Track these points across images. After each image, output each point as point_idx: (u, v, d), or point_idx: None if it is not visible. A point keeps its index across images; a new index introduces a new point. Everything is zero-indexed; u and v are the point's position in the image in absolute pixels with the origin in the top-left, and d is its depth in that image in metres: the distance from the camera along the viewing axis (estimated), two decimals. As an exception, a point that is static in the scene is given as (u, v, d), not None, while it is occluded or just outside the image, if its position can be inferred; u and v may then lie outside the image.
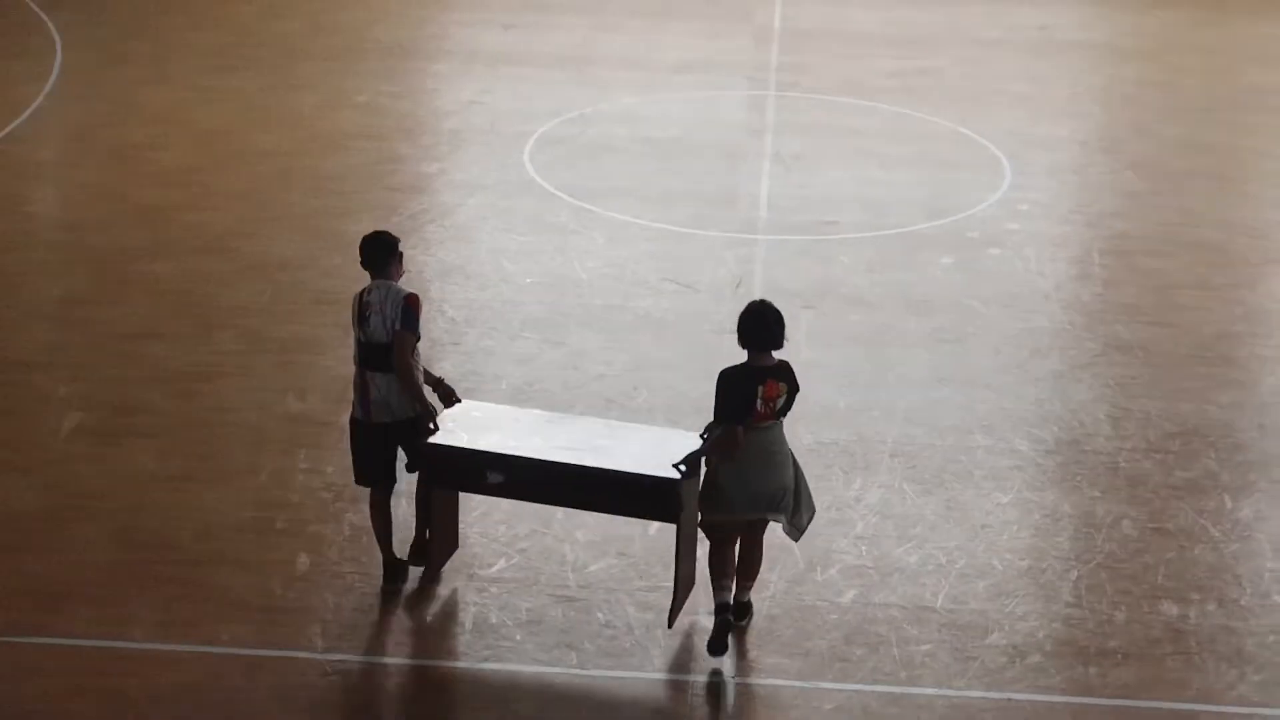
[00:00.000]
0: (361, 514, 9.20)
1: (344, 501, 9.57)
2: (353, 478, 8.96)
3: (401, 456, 8.87)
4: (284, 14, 18.91)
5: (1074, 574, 9.15)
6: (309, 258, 12.80)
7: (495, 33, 18.35)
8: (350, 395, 8.85)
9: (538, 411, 9.52)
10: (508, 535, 9.37)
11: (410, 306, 8.64)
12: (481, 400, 9.76)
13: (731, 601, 8.50)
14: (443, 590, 8.90)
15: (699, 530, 8.56)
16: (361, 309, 8.71)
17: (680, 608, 8.67)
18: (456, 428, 8.82)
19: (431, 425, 8.73)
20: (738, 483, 8.35)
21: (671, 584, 8.70)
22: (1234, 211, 14.24)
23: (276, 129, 15.45)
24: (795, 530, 8.58)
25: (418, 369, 8.77)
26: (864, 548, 9.34)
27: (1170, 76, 17.63)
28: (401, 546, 9.08)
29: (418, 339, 8.73)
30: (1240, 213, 14.24)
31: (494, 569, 9.08)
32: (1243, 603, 8.95)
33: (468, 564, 9.10)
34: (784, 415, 8.40)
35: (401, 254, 8.83)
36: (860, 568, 9.16)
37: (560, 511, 9.35)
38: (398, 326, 8.61)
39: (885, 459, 10.20)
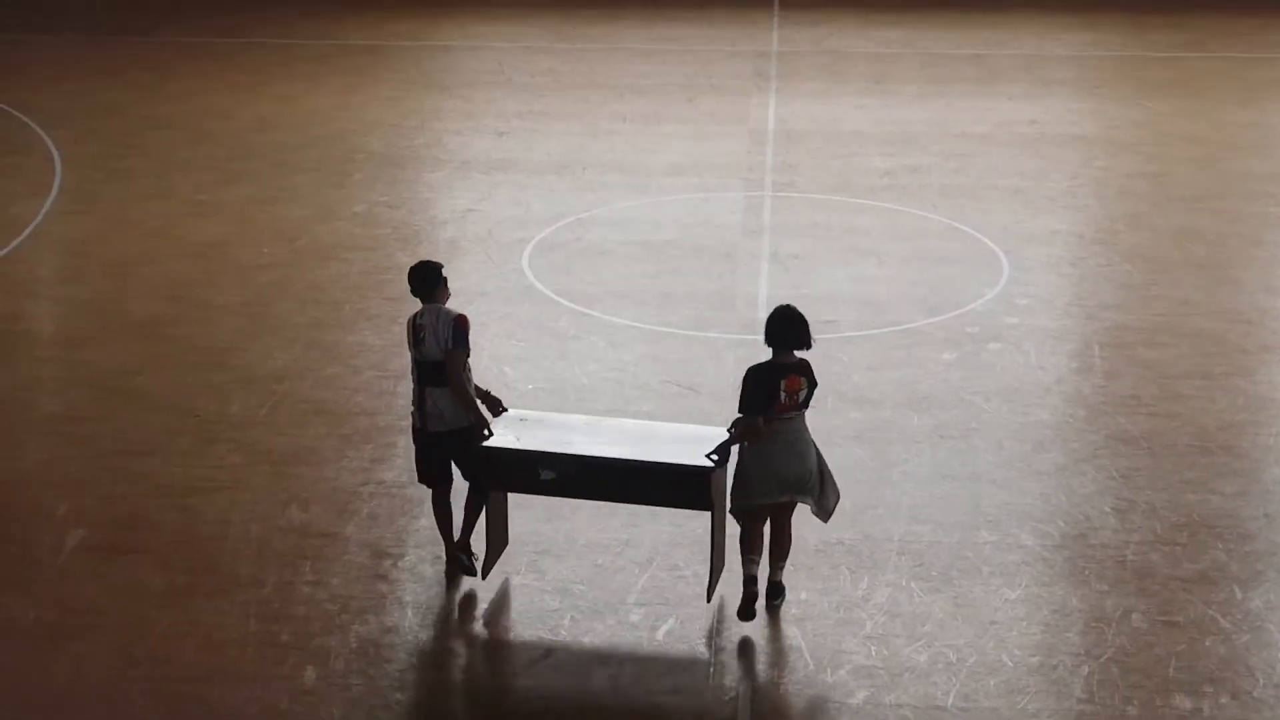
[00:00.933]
0: (368, 623, 9.20)
1: (349, 614, 9.53)
2: (416, 478, 9.98)
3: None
4: (277, 127, 19.05)
5: (1085, 669, 9.09)
6: (306, 369, 12.81)
7: (489, 140, 18.48)
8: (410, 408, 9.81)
9: (579, 416, 10.59)
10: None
11: (460, 326, 9.67)
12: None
13: (757, 574, 9.41)
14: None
15: (731, 515, 9.49)
16: (415, 331, 9.73)
17: (716, 584, 9.68)
18: (507, 432, 9.78)
19: (485, 432, 9.67)
20: (765, 469, 9.28)
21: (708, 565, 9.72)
22: (1229, 300, 14.29)
23: (272, 241, 15.52)
24: (823, 512, 9.50)
25: (469, 382, 9.72)
26: (873, 647, 9.28)
27: (1161, 167, 17.76)
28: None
29: (468, 355, 9.69)
30: (1235, 301, 14.28)
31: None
32: (1256, 694, 8.89)
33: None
34: (806, 407, 9.36)
35: (446, 279, 9.86)
36: (870, 668, 9.10)
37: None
38: (450, 345, 9.62)
39: (892, 557, 10.17)
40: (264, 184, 17.14)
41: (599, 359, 12.97)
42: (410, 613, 9.33)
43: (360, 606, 9.39)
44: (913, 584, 9.88)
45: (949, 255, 15.26)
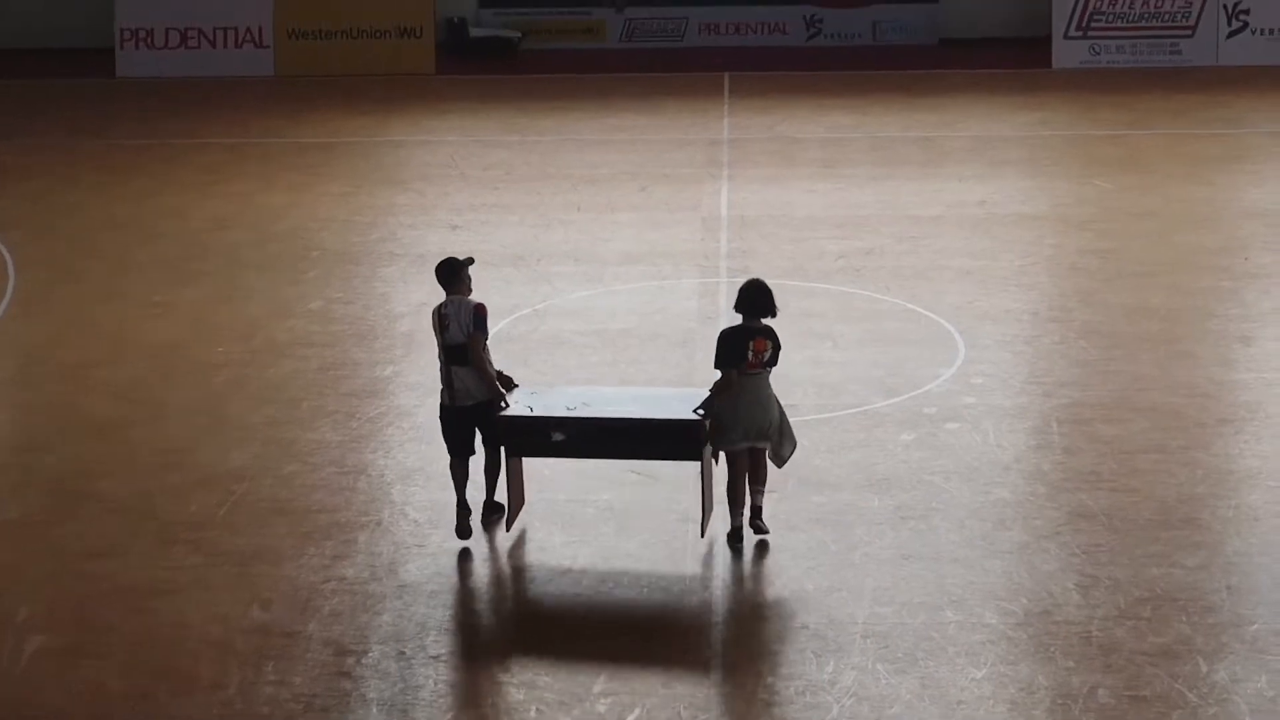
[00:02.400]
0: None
1: (314, 712, 9.47)
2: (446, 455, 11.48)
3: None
4: (231, 225, 19.09)
5: (1054, 747, 9.09)
6: (263, 467, 12.78)
7: (443, 233, 18.55)
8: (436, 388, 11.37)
9: (578, 388, 12.48)
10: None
11: (479, 313, 11.28)
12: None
13: (742, 524, 11.21)
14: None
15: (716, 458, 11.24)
16: (441, 319, 11.30)
17: (707, 523, 11.33)
18: (521, 403, 11.44)
19: (503, 404, 11.31)
20: (735, 418, 11.09)
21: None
22: (1184, 374, 14.41)
23: (228, 340, 15.51)
24: (778, 459, 11.28)
25: (488, 362, 11.31)
26: (841, 731, 9.27)
27: (1112, 244, 17.94)
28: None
29: (486, 337, 11.32)
30: (1190, 375, 14.41)
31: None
32: (1226, 767, 8.91)
33: None
34: (771, 366, 11.13)
35: (468, 275, 11.38)
36: (839, 752, 9.08)
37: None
38: (472, 329, 11.23)
39: (857, 640, 10.17)
40: (219, 283, 17.15)
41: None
42: (375, 709, 9.28)
43: (324, 704, 9.34)
44: (878, 666, 9.88)
45: (904, 336, 15.35)
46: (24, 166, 21.89)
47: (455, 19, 28.48)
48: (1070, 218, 19.02)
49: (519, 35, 28.62)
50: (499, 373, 11.49)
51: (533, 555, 11.46)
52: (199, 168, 21.64)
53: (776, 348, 11.18)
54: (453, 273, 11.40)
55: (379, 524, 11.87)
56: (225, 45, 27.50)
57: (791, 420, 11.47)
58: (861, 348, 15.06)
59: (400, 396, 14.22)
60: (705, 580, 11.06)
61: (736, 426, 11.10)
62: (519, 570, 11.32)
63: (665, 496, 12.04)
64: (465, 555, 11.39)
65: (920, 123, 23.45)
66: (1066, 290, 16.70)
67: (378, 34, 27.49)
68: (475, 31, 28.59)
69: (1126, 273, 17.01)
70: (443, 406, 11.47)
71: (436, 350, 11.49)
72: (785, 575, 10.94)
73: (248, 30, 27.49)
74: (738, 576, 11.13)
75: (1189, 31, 26.87)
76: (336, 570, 11.15)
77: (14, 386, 14.88)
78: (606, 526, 11.73)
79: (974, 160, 21.46)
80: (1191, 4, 26.82)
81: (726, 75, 26.28)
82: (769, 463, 11.28)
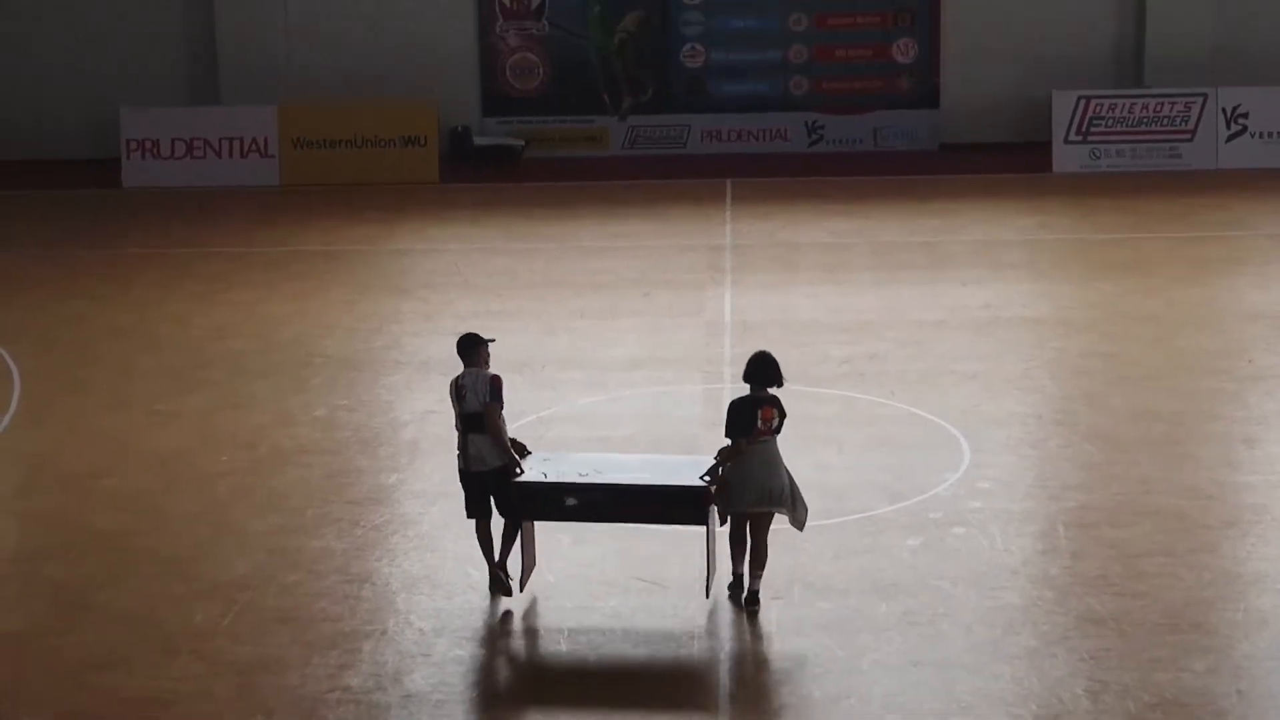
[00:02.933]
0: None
1: (317, 824, 9.40)
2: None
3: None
4: (235, 334, 19.16)
5: None
6: (267, 576, 12.75)
7: (447, 341, 18.50)
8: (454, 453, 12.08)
9: (589, 455, 12.79)
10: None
11: (495, 384, 11.95)
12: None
13: (743, 572, 11.88)
14: None
15: (720, 519, 11.85)
16: (459, 390, 12.00)
17: (711, 585, 11.93)
18: (534, 470, 12.02)
19: (518, 470, 11.89)
20: (745, 482, 11.70)
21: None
22: (1189, 477, 14.41)
23: (231, 448, 15.52)
24: (797, 523, 11.90)
25: (504, 431, 11.91)
26: (851, 841, 9.19)
27: (1116, 347, 17.98)
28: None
29: (502, 407, 11.90)
30: (1195, 477, 14.40)
31: None
32: None
33: None
34: (778, 433, 11.79)
35: (485, 348, 12.14)
36: None
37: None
38: (488, 399, 11.90)
39: (865, 747, 10.11)
40: (223, 391, 17.19)
41: (565, 555, 12.94)
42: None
43: (329, 817, 9.27)
44: (888, 774, 9.81)
45: (909, 441, 15.36)
46: (29, 276, 22.00)
47: (459, 128, 28.71)
48: (1073, 321, 19.08)
49: (522, 143, 28.84)
50: (513, 440, 12.09)
51: (542, 658, 11.41)
52: (202, 276, 21.75)
53: (783, 415, 11.88)
54: (472, 346, 12.19)
55: (384, 633, 11.83)
56: (230, 155, 27.71)
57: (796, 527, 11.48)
58: (866, 452, 15.06)
59: (405, 504, 14.20)
60: (712, 687, 11.00)
61: (747, 491, 11.74)
62: (525, 679, 11.25)
63: (670, 604, 12.01)
64: (471, 664, 11.34)
65: (922, 227, 23.58)
66: (1071, 393, 16.72)
67: (382, 143, 27.70)
68: (479, 140, 28.81)
69: (1130, 375, 17.04)
70: (460, 471, 12.17)
71: (454, 419, 12.13)
72: (792, 682, 10.89)
73: (253, 140, 27.71)
74: (743, 682, 11.07)
75: (1188, 136, 27.06)
76: (341, 680, 11.10)
77: (18, 496, 14.88)
78: (614, 633, 11.67)
79: (976, 264, 21.55)
80: (1190, 108, 27.03)
81: (729, 181, 26.45)
82: (793, 527, 11.96)
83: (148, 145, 27.75)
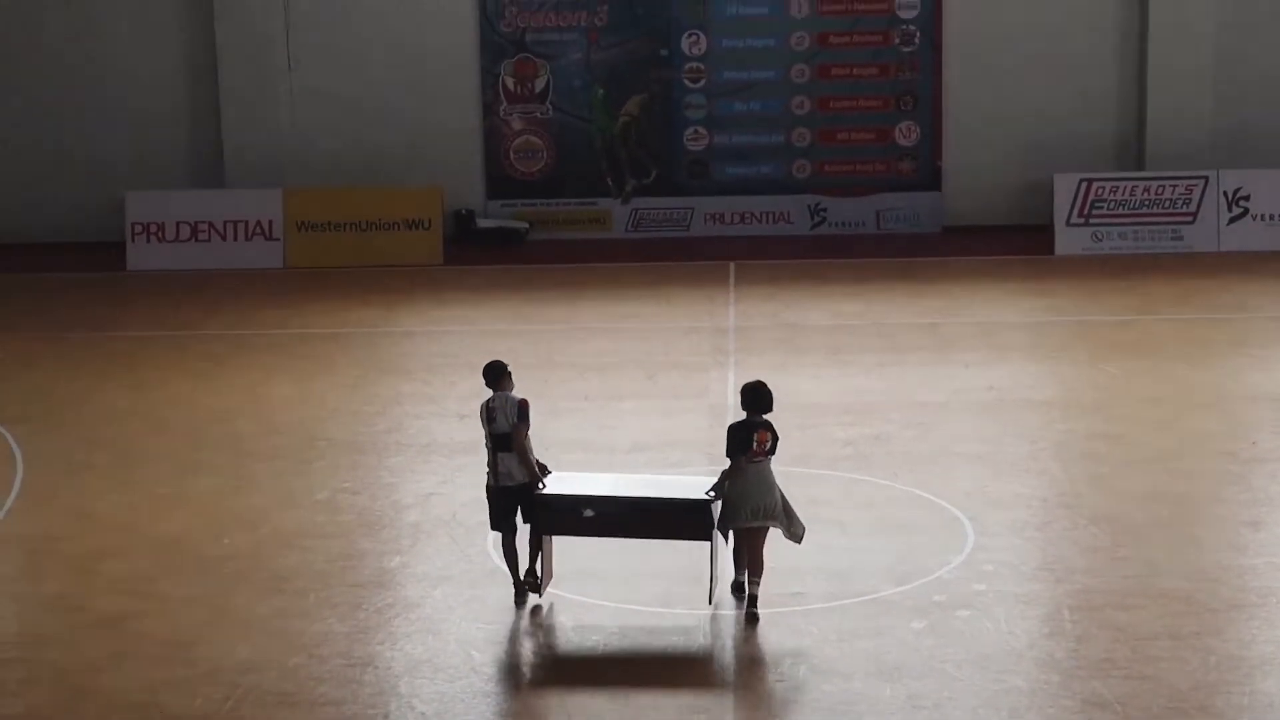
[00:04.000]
0: None
1: None
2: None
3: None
4: (236, 416, 19.19)
5: None
6: (270, 660, 12.73)
7: (451, 423, 18.63)
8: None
9: (606, 475, 14.46)
10: None
11: (522, 407, 13.32)
12: None
13: (744, 580, 13.31)
14: None
15: (720, 533, 13.22)
16: (489, 412, 13.39)
17: (714, 592, 13.32)
18: (555, 485, 13.39)
19: (541, 485, 13.28)
20: (742, 498, 13.10)
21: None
22: (1194, 559, 14.40)
23: (234, 531, 15.53)
24: (794, 536, 13.32)
25: (529, 450, 13.28)
26: None
27: (1121, 429, 18.00)
28: None
29: (528, 428, 13.26)
30: (1200, 560, 14.39)
31: None
32: None
33: None
34: (772, 454, 13.23)
35: (510, 374, 13.50)
36: None
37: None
38: (515, 421, 13.25)
39: (871, 833, 10.06)
40: (225, 474, 17.21)
41: (566, 639, 12.92)
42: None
43: None
44: None
45: (913, 523, 15.36)
46: (32, 358, 22.07)
47: (463, 210, 28.88)
48: (1078, 402, 19.11)
49: (526, 226, 28.99)
50: (537, 461, 13.40)
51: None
52: (206, 358, 21.81)
53: (775, 439, 13.26)
54: (498, 374, 13.55)
55: (386, 717, 11.81)
56: (235, 238, 27.85)
57: (800, 609, 11.46)
58: (870, 535, 15.06)
59: (408, 588, 14.19)
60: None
61: (744, 507, 13.09)
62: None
63: (688, 704, 11.98)
64: (473, 748, 11.31)
65: (925, 309, 23.66)
66: (1076, 475, 16.72)
67: (386, 226, 27.85)
68: (483, 222, 28.97)
69: (1135, 457, 17.06)
70: (488, 487, 13.48)
71: (484, 439, 13.51)
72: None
73: (258, 223, 27.87)
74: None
75: (1190, 218, 27.18)
76: (342, 765, 11.06)
77: (19, 579, 14.87)
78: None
79: (980, 346, 21.61)
80: (1192, 191, 27.17)
81: (732, 264, 26.57)
82: (789, 540, 13.35)
83: (153, 228, 27.91)
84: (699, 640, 12.99)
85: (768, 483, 13.19)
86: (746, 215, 29.11)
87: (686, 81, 29.08)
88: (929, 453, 17.30)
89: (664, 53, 29.00)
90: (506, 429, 13.29)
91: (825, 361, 20.97)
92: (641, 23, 28.93)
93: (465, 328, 23.43)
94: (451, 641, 12.98)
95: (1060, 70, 28.69)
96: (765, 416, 13.23)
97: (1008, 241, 27.76)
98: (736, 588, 13.53)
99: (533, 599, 13.48)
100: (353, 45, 29.14)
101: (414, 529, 15.52)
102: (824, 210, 29.04)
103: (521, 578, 13.44)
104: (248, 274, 27.16)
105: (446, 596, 13.76)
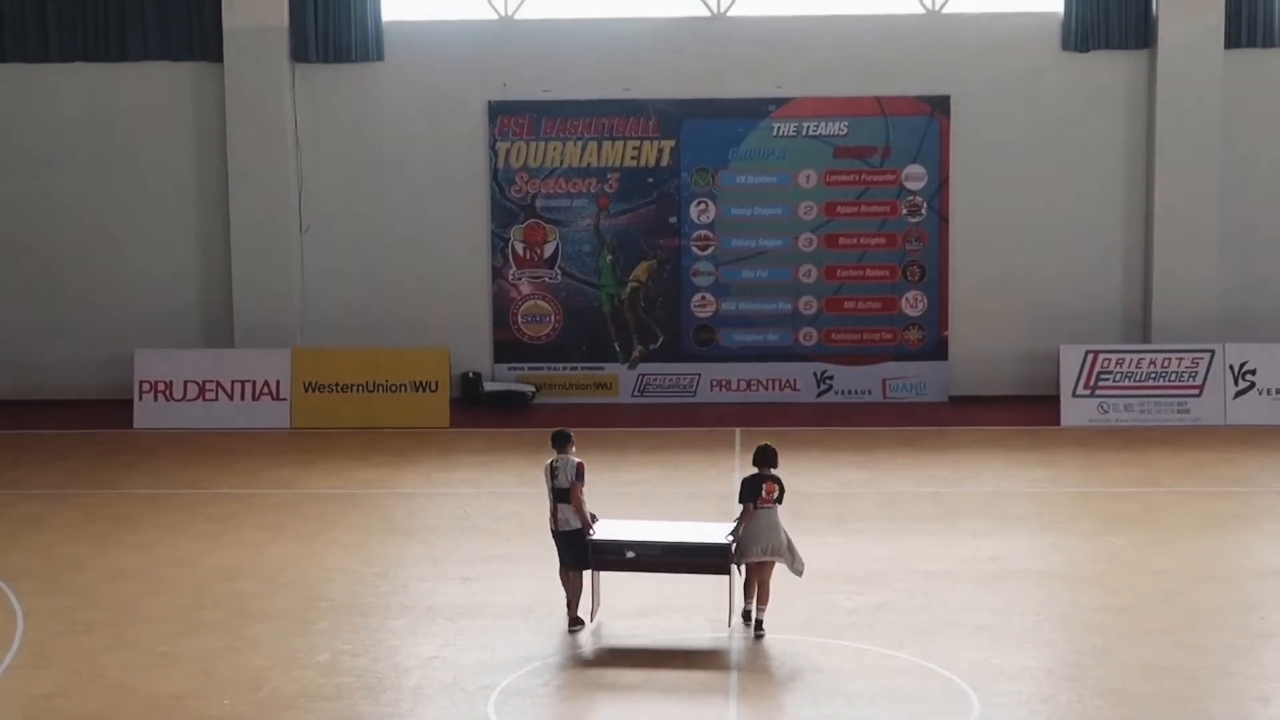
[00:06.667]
0: None
1: None
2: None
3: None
4: (239, 576, 19.19)
5: None
6: (269, 822, 12.64)
7: (454, 585, 18.63)
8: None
9: (644, 522, 18.16)
10: None
11: (580, 469, 16.80)
12: None
13: (752, 608, 16.71)
14: None
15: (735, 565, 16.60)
16: (553, 471, 16.86)
17: (732, 617, 16.81)
18: (603, 531, 16.94)
19: (592, 531, 16.80)
20: (753, 538, 16.50)
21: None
22: (1204, 734, 14.32)
23: (234, 692, 15.48)
24: (796, 571, 16.73)
25: (584, 503, 16.78)
26: None
27: (1127, 601, 17.97)
28: None
29: (584, 485, 16.77)
30: (1210, 735, 14.31)
31: None
32: None
33: None
34: (779, 502, 16.60)
35: (573, 441, 17.00)
36: None
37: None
38: (573, 479, 16.77)
39: None
40: (226, 633, 17.18)
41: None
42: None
43: None
44: None
45: (918, 694, 15.29)
46: (36, 516, 22.12)
47: (470, 374, 29.07)
48: (1083, 574, 19.10)
49: (533, 389, 29.16)
50: (590, 513, 16.87)
51: None
52: (209, 518, 21.86)
53: (782, 489, 16.64)
54: (564, 440, 16.98)
55: None
56: (242, 398, 28.01)
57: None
58: (874, 705, 14.99)
59: (407, 751, 14.13)
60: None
61: (755, 545, 16.45)
62: None
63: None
64: None
65: (931, 478, 23.72)
66: (1081, 647, 16.67)
67: (393, 388, 28.02)
68: (489, 386, 29.15)
69: (1141, 630, 17.02)
70: (551, 530, 17.01)
71: (547, 493, 16.98)
72: None
73: (264, 383, 28.05)
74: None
75: (1196, 391, 27.33)
76: None
77: (16, 738, 14.81)
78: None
79: (985, 515, 21.64)
80: (1198, 364, 27.34)
81: (738, 430, 26.68)
82: (792, 574, 16.72)
83: (160, 387, 28.09)
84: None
85: (775, 525, 16.53)
86: (753, 382, 29.29)
87: (695, 249, 29.42)
88: (934, 622, 17.28)
89: (673, 220, 29.37)
90: (566, 485, 16.71)
91: (830, 529, 20.99)
92: (651, 190, 29.33)
93: (470, 490, 23.48)
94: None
95: (1066, 242, 29.02)
96: (773, 471, 16.62)
97: (1013, 412, 27.90)
98: (746, 615, 16.75)
99: (586, 625, 16.93)
100: (364, 209, 29.54)
101: (415, 692, 15.46)
102: (830, 378, 29.23)
103: (574, 614, 16.86)
104: (254, 434, 27.29)
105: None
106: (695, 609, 17.43)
